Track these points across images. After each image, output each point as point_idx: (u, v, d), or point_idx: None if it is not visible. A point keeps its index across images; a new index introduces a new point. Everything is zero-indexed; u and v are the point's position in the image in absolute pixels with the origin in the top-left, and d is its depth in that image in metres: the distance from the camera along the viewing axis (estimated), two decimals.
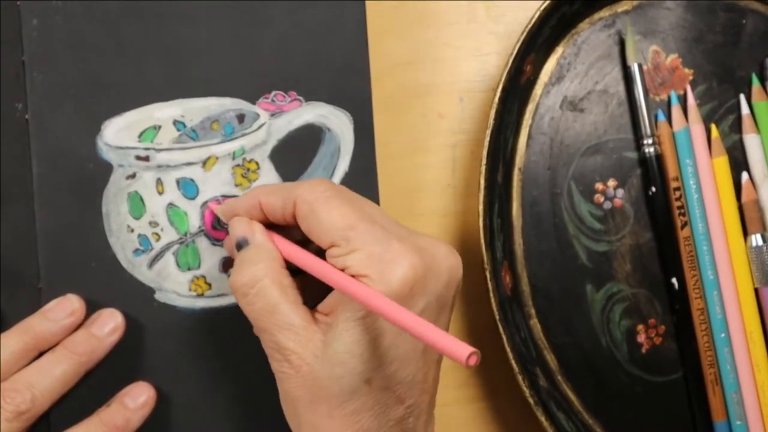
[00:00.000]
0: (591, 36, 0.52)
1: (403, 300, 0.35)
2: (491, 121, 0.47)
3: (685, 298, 0.51)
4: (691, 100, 0.51)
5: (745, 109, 0.52)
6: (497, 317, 0.46)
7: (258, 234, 0.39)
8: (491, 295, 0.46)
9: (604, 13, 0.52)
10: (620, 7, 0.52)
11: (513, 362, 0.46)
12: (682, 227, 0.51)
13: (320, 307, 0.38)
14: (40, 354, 0.43)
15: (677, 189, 0.51)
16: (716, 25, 0.52)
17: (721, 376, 0.50)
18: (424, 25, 0.51)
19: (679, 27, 0.52)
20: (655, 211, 0.51)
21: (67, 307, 0.43)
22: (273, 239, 0.39)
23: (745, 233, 0.51)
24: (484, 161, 0.47)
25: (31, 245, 0.44)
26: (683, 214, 0.51)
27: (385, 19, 0.51)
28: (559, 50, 0.52)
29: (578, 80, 0.52)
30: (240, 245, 0.39)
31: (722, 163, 0.51)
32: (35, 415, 0.42)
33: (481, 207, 0.47)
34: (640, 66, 0.51)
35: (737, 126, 0.52)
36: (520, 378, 0.46)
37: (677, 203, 0.51)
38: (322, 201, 0.37)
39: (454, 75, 0.51)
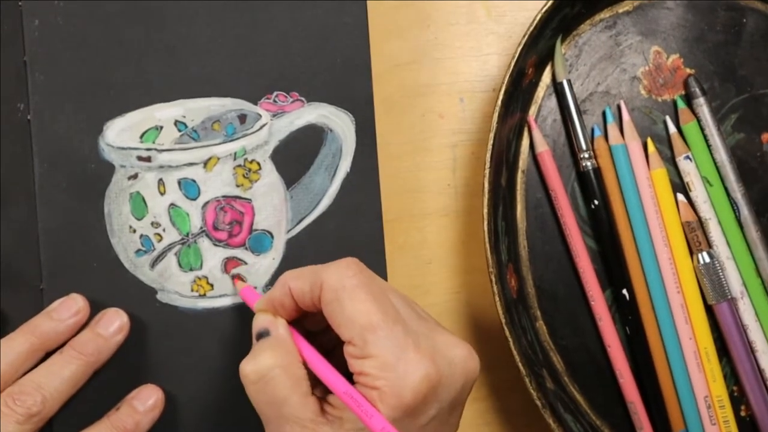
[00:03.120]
0: (592, 37, 0.52)
1: (415, 410, 0.35)
2: (494, 124, 0.47)
3: (637, 310, 0.50)
4: (626, 116, 0.51)
5: (672, 128, 0.51)
6: (503, 320, 0.46)
7: (280, 327, 0.39)
8: (497, 298, 0.46)
9: (605, 14, 0.52)
10: (621, 8, 0.52)
11: (520, 365, 0.46)
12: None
13: (331, 398, 0.38)
14: (47, 355, 0.43)
15: (617, 203, 0.51)
16: (717, 24, 0.52)
17: (676, 387, 0.50)
18: (424, 25, 0.51)
19: (679, 27, 0.52)
20: (598, 225, 0.50)
21: (71, 306, 0.43)
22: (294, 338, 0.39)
23: (691, 250, 0.51)
24: (487, 164, 0.46)
25: (33, 246, 0.44)
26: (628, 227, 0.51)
27: (386, 19, 0.51)
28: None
29: (580, 82, 0.51)
30: (260, 336, 0.39)
31: (661, 175, 0.51)
32: (46, 416, 0.41)
33: (485, 210, 0.46)
34: (569, 82, 0.51)
35: (740, 125, 0.52)
36: (527, 380, 0.46)
37: (620, 217, 0.50)
38: (347, 290, 0.36)
39: (454, 75, 0.52)
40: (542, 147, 0.50)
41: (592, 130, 0.51)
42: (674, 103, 0.52)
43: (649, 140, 0.51)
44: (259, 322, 0.40)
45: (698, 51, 0.52)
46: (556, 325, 0.50)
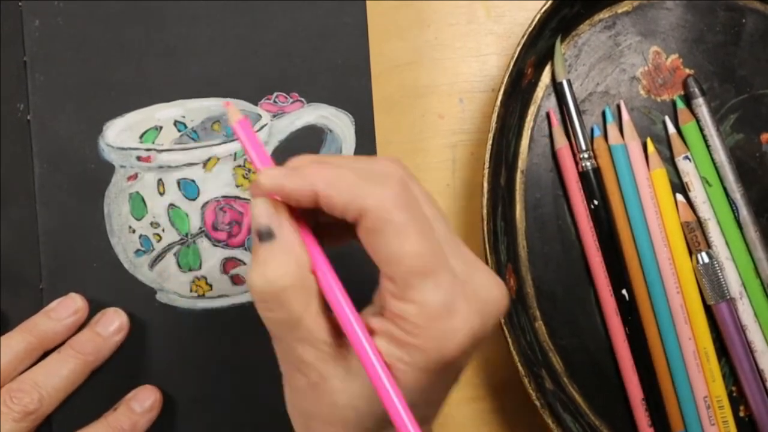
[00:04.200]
0: (591, 37, 0.52)
1: (453, 364, 0.32)
2: (493, 125, 0.47)
3: (636, 310, 0.50)
4: (625, 116, 0.51)
5: (671, 129, 0.51)
6: (502, 320, 0.46)
7: (285, 228, 0.33)
8: None
9: (605, 14, 0.52)
10: (620, 8, 0.52)
11: (519, 365, 0.46)
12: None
13: None
14: (45, 354, 0.43)
15: (617, 203, 0.51)
16: (716, 24, 0.52)
17: (675, 387, 0.50)
18: (424, 25, 0.51)
19: (679, 27, 0.52)
20: (598, 225, 0.50)
21: (70, 305, 0.43)
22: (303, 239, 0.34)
23: (690, 250, 0.51)
24: (486, 164, 0.46)
25: (33, 246, 0.44)
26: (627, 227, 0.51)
27: (386, 19, 0.51)
28: None
29: (579, 82, 0.51)
30: (262, 236, 0.33)
31: (660, 175, 0.51)
32: (43, 415, 0.41)
33: (484, 210, 0.46)
34: (569, 82, 0.51)
35: (739, 125, 0.52)
36: (526, 380, 0.46)
37: (619, 217, 0.51)
38: (394, 224, 0.31)
39: (453, 75, 0.52)
40: (562, 143, 0.50)
41: (592, 130, 0.51)
42: (673, 103, 0.52)
43: (648, 140, 0.51)
44: (261, 218, 0.33)
45: (697, 51, 0.52)
46: (555, 326, 0.50)
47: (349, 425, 0.33)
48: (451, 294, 0.31)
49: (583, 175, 0.50)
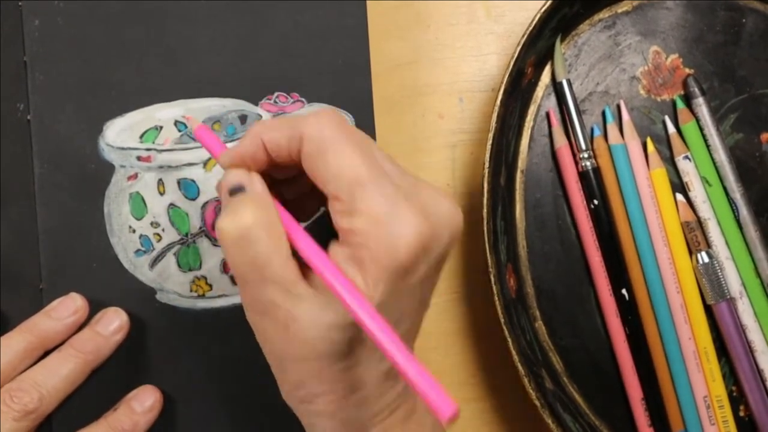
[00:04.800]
0: (591, 37, 0.52)
1: (407, 269, 0.33)
2: (493, 125, 0.47)
3: (636, 310, 0.50)
4: (625, 116, 0.51)
5: (671, 128, 0.51)
6: (502, 320, 0.46)
7: (255, 182, 0.35)
8: (496, 298, 0.46)
9: (604, 14, 0.52)
10: (620, 8, 0.52)
11: (519, 365, 0.46)
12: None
13: None
14: (45, 354, 0.43)
15: (617, 203, 0.51)
16: (716, 24, 0.52)
17: (675, 387, 0.50)
18: (424, 25, 0.51)
19: (679, 27, 0.52)
20: (598, 225, 0.50)
21: (70, 305, 0.43)
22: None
23: (690, 249, 0.51)
24: (486, 164, 0.46)
25: (33, 245, 0.44)
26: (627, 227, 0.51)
27: (386, 19, 0.51)
28: None
29: (579, 82, 0.52)
30: (233, 191, 0.35)
31: (660, 174, 0.51)
32: (43, 414, 0.41)
33: (484, 210, 0.46)
34: (569, 82, 0.51)
35: (739, 125, 0.52)
36: (526, 380, 0.46)
37: (619, 217, 0.51)
38: (330, 142, 0.33)
39: (453, 75, 0.52)
40: (561, 142, 0.50)
41: (592, 130, 0.51)
42: (673, 102, 0.52)
43: (648, 140, 0.51)
44: (231, 177, 0.36)
45: (697, 51, 0.52)
46: (555, 325, 0.50)
47: (322, 357, 0.34)
48: (394, 200, 0.33)
49: (582, 175, 0.50)
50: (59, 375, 0.42)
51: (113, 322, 0.44)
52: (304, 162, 0.34)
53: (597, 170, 0.50)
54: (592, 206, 0.50)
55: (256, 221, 0.34)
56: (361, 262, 0.33)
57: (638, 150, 0.51)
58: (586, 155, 0.50)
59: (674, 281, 0.50)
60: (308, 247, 0.34)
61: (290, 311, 0.33)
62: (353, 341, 0.34)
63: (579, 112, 0.50)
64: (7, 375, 0.41)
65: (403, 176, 0.36)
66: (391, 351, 0.30)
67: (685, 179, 0.51)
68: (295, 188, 0.38)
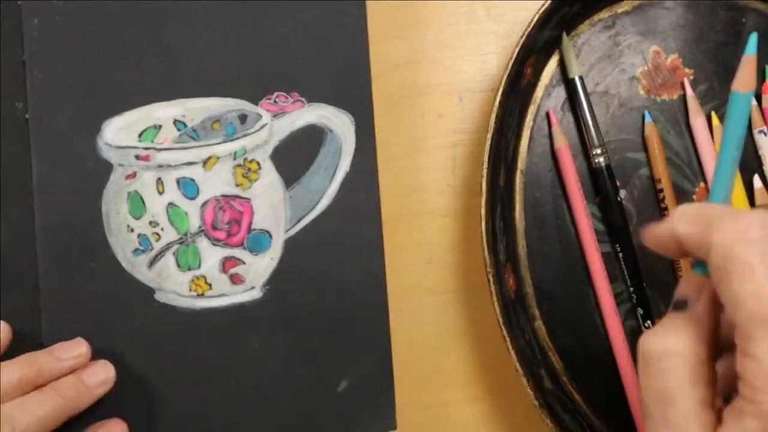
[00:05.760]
0: (591, 37, 0.52)
1: None
2: (492, 125, 0.47)
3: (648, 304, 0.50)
4: (689, 91, 0.51)
5: (752, 101, 0.51)
6: (501, 320, 0.46)
7: (702, 304, 0.31)
8: (494, 298, 0.46)
9: (604, 14, 0.52)
10: (620, 8, 0.52)
11: (518, 364, 0.46)
12: None
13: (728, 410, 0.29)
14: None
15: (661, 190, 0.51)
16: (717, 24, 0.52)
17: None
18: (424, 25, 0.51)
19: (679, 27, 0.52)
20: (620, 219, 0.50)
21: (74, 349, 0.43)
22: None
23: None
24: (485, 164, 0.46)
25: (31, 244, 0.44)
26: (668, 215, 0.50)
27: (386, 19, 0.51)
28: (559, 53, 0.52)
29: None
30: (677, 305, 0.32)
31: None
32: None
33: (483, 210, 0.46)
34: (581, 78, 0.51)
35: None
36: (525, 380, 0.46)
37: (662, 204, 0.51)
38: (740, 262, 0.28)
39: (454, 75, 0.52)
40: (561, 141, 0.50)
41: (643, 117, 0.51)
42: (683, 99, 0.52)
43: (713, 114, 0.51)
44: (683, 286, 0.32)
45: (697, 51, 0.52)
46: (554, 325, 0.50)
47: None
48: None
49: (595, 172, 0.50)
50: (35, 415, 0.41)
51: (99, 375, 0.43)
52: (711, 272, 0.30)
53: (609, 167, 0.50)
54: (619, 199, 0.50)
55: (678, 347, 0.30)
56: (741, 415, 0.28)
57: (704, 126, 0.51)
58: (599, 151, 0.50)
59: None
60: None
61: None
62: None
63: (591, 108, 0.50)
64: None
65: None
66: None
67: (761, 152, 0.51)
68: None
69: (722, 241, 0.29)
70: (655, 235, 0.33)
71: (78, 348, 0.43)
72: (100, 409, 0.44)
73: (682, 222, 0.31)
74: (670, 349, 0.30)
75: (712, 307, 0.31)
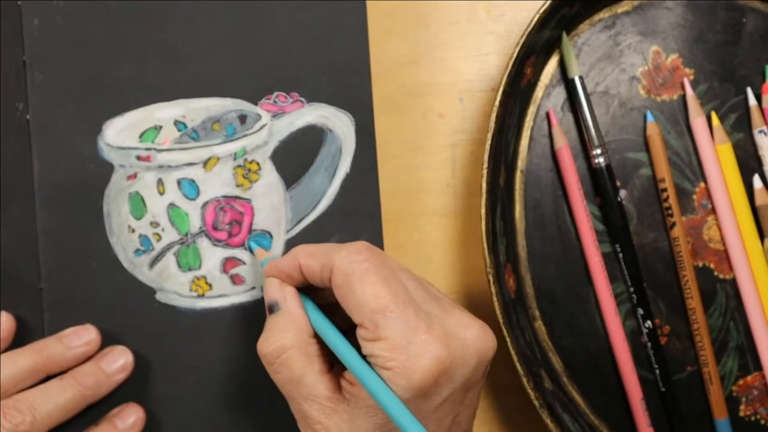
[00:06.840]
0: (591, 37, 0.52)
1: (426, 392, 0.35)
2: (492, 125, 0.47)
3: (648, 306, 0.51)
4: (689, 91, 0.51)
5: (752, 101, 0.51)
6: (501, 320, 0.46)
7: (289, 300, 0.40)
8: (494, 298, 0.46)
9: (604, 14, 0.52)
10: (620, 8, 0.52)
11: (518, 364, 0.46)
12: (671, 228, 0.51)
13: (347, 374, 0.38)
14: (48, 377, 0.43)
15: (664, 190, 0.51)
16: (716, 24, 0.52)
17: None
18: (424, 25, 0.51)
19: (679, 27, 0.52)
20: (620, 219, 0.50)
21: (83, 335, 0.43)
22: (306, 307, 0.40)
23: (761, 234, 0.51)
24: (485, 164, 0.46)
25: (32, 245, 0.44)
26: (671, 215, 0.50)
27: (386, 19, 0.51)
28: (559, 52, 0.52)
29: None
30: (271, 308, 0.40)
31: (726, 150, 0.51)
32: None
33: (483, 210, 0.46)
34: (581, 78, 0.51)
35: (739, 125, 0.52)
36: (525, 380, 0.46)
37: (665, 204, 0.51)
38: (357, 275, 0.37)
39: (454, 75, 0.52)
40: (561, 142, 0.50)
41: (645, 117, 0.51)
42: (683, 100, 0.52)
43: (713, 114, 0.51)
44: (269, 292, 0.40)
45: (697, 51, 0.52)
46: (554, 325, 0.50)
47: None
48: (415, 328, 0.36)
49: (595, 172, 0.50)
50: (55, 402, 0.42)
51: (118, 361, 0.44)
52: (335, 292, 0.38)
53: (609, 167, 0.50)
54: (620, 199, 0.50)
55: (287, 343, 0.38)
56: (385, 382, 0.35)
57: (704, 127, 0.51)
58: (599, 151, 0.50)
59: (745, 264, 0.51)
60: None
61: (326, 424, 0.37)
62: None
63: (591, 108, 0.50)
64: (7, 390, 0.41)
65: (434, 301, 0.38)
66: None
67: (761, 153, 0.51)
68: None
69: (341, 264, 0.37)
70: (278, 267, 0.40)
71: (88, 334, 0.44)
72: (99, 408, 0.44)
73: (304, 257, 0.39)
74: (281, 346, 0.38)
75: (298, 299, 0.40)
